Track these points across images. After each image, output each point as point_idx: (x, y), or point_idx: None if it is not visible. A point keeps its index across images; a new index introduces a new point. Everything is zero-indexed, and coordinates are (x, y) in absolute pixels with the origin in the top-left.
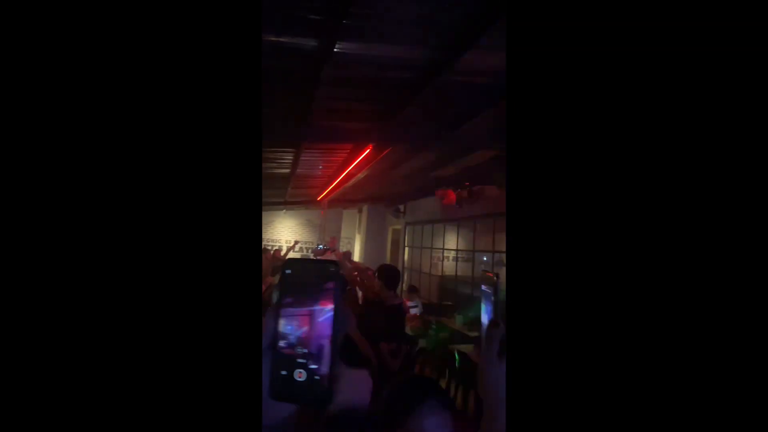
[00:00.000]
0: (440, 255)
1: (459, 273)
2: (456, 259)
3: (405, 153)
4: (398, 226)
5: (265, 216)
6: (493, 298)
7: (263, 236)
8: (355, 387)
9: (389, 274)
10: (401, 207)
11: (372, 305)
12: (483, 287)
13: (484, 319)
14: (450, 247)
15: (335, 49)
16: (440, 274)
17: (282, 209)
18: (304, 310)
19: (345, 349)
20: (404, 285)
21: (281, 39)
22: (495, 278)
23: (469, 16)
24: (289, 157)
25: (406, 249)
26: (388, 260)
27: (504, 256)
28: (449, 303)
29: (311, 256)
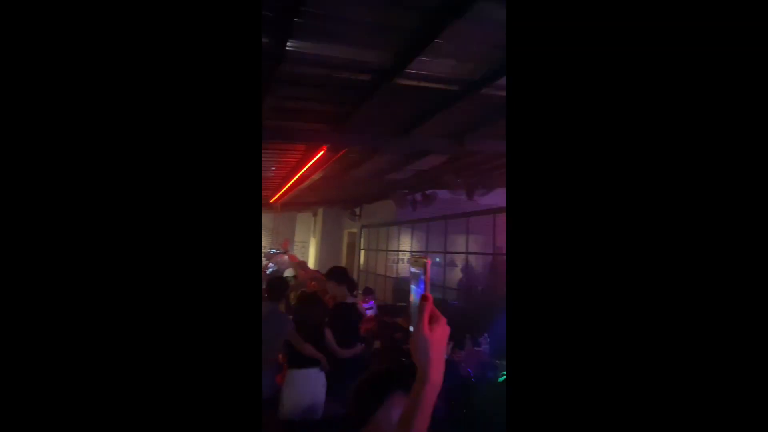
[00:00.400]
0: (395, 257)
1: None
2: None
3: (360, 155)
4: (354, 229)
5: None
6: (422, 277)
7: None
8: (307, 386)
9: (337, 273)
10: (357, 210)
11: (312, 301)
12: (412, 269)
13: (416, 295)
14: (404, 249)
15: (287, 48)
16: (395, 275)
17: None
18: None
19: (289, 352)
20: (360, 288)
21: None
22: (424, 260)
23: (422, 20)
24: None
25: (362, 252)
26: (343, 263)
27: (455, 256)
28: (404, 304)
29: (263, 261)
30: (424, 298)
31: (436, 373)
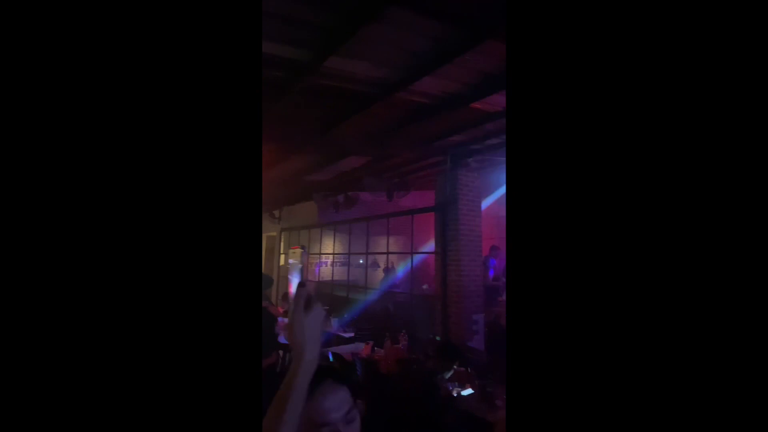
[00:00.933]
0: (317, 260)
1: (335, 277)
2: (333, 263)
3: (276, 155)
4: (273, 233)
5: None
6: (300, 266)
7: None
8: None
9: None
10: (276, 212)
11: None
12: (290, 261)
13: (294, 282)
14: (327, 251)
15: None
16: (317, 279)
17: None
18: None
19: None
20: (279, 293)
21: None
22: (301, 249)
23: (338, 20)
24: None
25: (282, 256)
26: (262, 268)
27: (377, 257)
28: (326, 307)
29: None
30: (300, 284)
31: (310, 353)
